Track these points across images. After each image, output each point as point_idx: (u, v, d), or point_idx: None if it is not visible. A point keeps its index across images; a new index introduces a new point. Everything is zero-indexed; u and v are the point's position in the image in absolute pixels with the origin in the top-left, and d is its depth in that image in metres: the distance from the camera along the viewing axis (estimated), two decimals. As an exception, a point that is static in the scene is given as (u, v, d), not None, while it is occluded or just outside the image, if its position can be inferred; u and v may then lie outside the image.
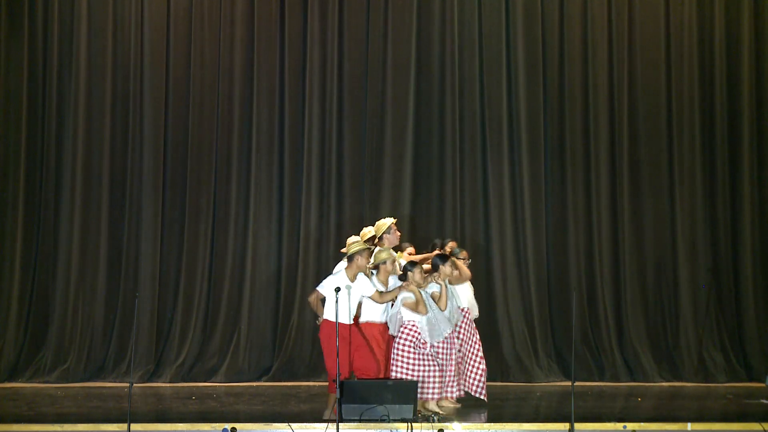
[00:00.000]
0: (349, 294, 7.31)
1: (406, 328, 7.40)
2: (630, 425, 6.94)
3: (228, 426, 6.77)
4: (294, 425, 6.87)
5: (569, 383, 8.49)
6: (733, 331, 10.09)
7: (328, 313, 7.29)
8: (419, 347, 7.35)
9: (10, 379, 9.53)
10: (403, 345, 7.38)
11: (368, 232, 8.06)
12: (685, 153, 10.28)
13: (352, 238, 8.54)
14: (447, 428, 6.85)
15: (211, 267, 10.04)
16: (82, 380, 9.53)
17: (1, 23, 10.12)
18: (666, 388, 9.45)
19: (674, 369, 9.88)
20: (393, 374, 7.31)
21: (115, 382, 9.49)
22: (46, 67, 10.15)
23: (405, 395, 6.90)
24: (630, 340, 9.96)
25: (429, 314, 7.39)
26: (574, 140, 10.28)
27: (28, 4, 10.15)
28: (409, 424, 6.78)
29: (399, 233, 8.24)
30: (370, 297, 7.46)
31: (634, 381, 9.70)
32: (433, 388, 7.33)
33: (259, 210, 10.11)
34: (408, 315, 7.40)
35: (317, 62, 10.19)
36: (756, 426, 7.02)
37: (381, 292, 7.49)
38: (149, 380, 9.55)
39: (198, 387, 9.27)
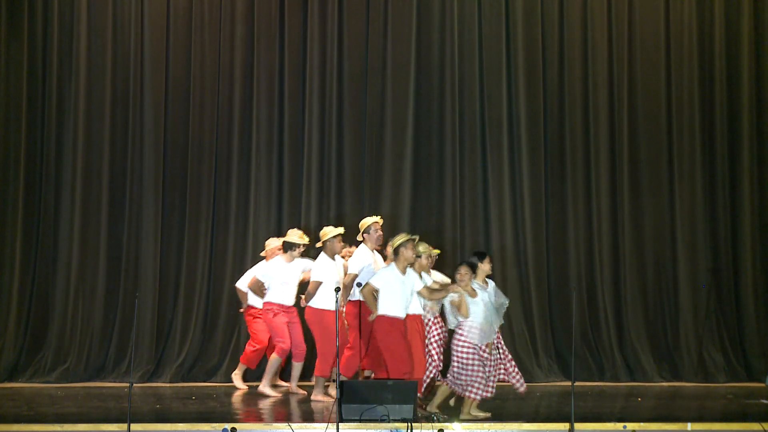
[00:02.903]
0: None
1: (467, 326, 7.16)
2: (630, 425, 6.93)
3: (228, 426, 6.77)
4: (294, 425, 6.86)
5: (569, 383, 8.48)
6: (733, 331, 10.08)
7: (384, 308, 7.37)
8: (476, 346, 7.15)
9: (10, 379, 9.54)
10: (463, 344, 7.15)
11: (329, 231, 8.17)
12: (685, 152, 10.28)
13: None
14: (447, 428, 6.85)
15: (211, 267, 10.04)
16: (82, 380, 9.54)
17: (1, 23, 10.12)
18: (666, 388, 9.45)
19: (674, 369, 9.88)
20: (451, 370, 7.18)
21: (115, 382, 9.50)
22: (46, 67, 10.15)
23: (405, 395, 6.89)
24: (630, 340, 9.96)
25: (480, 319, 7.14)
26: (574, 140, 10.28)
27: (28, 4, 10.15)
28: (409, 424, 6.78)
29: (381, 232, 8.26)
30: (418, 293, 7.50)
31: (634, 381, 9.71)
32: (478, 387, 7.12)
33: (259, 210, 10.10)
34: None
35: (317, 62, 10.19)
36: (756, 426, 7.00)
37: (431, 289, 7.53)
38: (149, 380, 9.56)
39: (198, 387, 9.28)
